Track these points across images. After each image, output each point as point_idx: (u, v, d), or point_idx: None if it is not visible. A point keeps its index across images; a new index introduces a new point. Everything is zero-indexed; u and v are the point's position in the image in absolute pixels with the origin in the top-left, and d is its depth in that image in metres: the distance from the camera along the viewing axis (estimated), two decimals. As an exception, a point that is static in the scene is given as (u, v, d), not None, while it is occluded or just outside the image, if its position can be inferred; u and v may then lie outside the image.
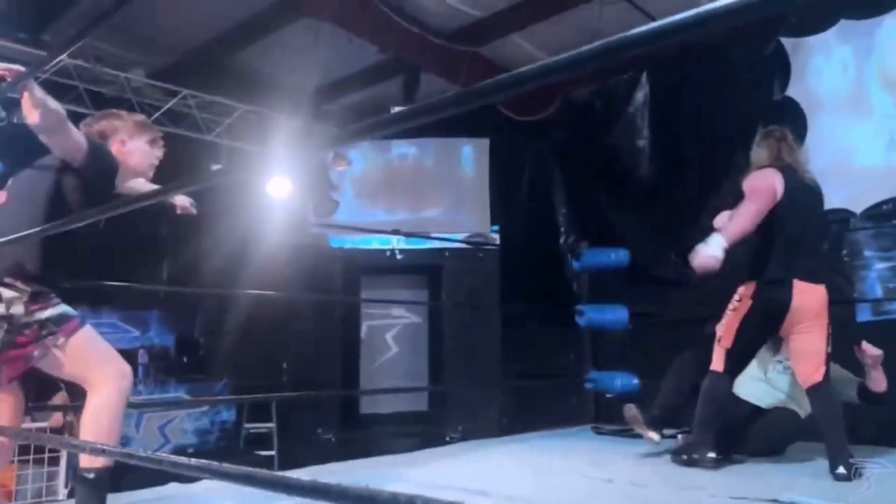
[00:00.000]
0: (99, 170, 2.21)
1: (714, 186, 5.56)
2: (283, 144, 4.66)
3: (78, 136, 2.17)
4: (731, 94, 5.49)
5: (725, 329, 3.01)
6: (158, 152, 2.49)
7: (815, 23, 5.16)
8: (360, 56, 5.60)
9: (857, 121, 4.94)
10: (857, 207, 4.84)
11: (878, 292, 4.65)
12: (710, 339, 4.37)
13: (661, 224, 5.73)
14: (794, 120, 5.18)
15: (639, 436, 4.01)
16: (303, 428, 5.99)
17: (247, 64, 5.58)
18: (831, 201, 4.94)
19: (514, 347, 5.89)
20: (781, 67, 5.31)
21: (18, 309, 2.00)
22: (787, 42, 5.30)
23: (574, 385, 5.03)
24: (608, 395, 4.38)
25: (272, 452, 5.52)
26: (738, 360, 3.03)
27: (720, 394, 3.01)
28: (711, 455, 2.90)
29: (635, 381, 4.14)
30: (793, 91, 5.25)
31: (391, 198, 6.65)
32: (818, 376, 2.81)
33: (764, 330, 3.00)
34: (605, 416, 4.60)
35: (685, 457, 3.01)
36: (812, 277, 2.92)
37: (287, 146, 4.26)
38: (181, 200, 2.69)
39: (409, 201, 6.63)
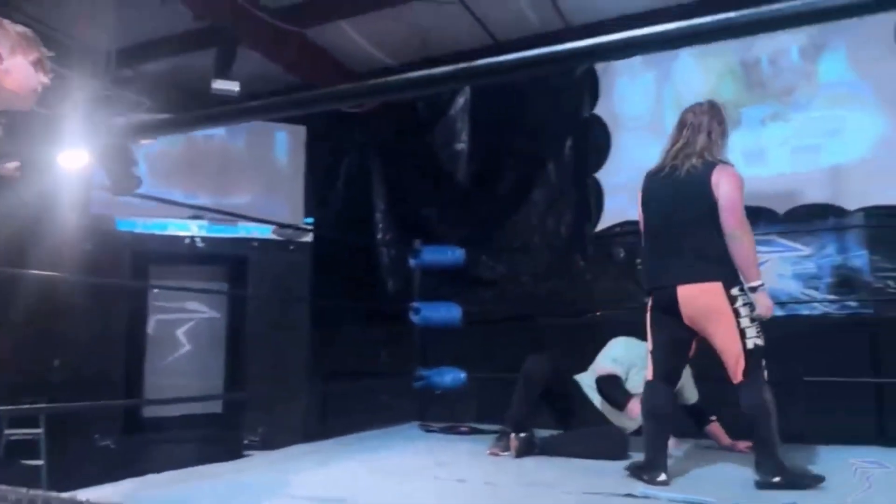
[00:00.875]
0: None
1: (525, 195, 5.84)
2: (77, 109, 4.01)
3: None
4: (545, 109, 5.79)
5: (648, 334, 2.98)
6: (44, 78, 1.97)
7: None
8: (172, 20, 5.03)
9: (654, 141, 5.41)
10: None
11: (667, 298, 5.16)
12: (541, 336, 4.55)
13: (477, 226, 5.89)
14: (598, 137, 5.63)
15: (465, 432, 4.05)
16: (77, 434, 5.23)
17: (34, 15, 4.74)
18: (627, 214, 5.44)
19: (326, 346, 5.66)
20: (591, 87, 5.70)
21: None
22: (597, 63, 5.70)
23: (393, 384, 4.96)
24: (437, 392, 4.36)
25: (40, 462, 4.73)
26: (662, 364, 2.92)
27: (656, 403, 2.87)
28: (662, 478, 2.66)
29: (462, 375, 4.18)
30: (600, 109, 5.66)
31: (193, 180, 6.07)
32: (739, 375, 2.71)
33: (670, 333, 2.91)
34: (432, 414, 4.58)
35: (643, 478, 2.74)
36: (690, 278, 2.83)
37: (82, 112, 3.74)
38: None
39: (214, 186, 6.10)
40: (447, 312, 4.17)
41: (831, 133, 4.88)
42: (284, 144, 6.30)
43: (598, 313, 5.35)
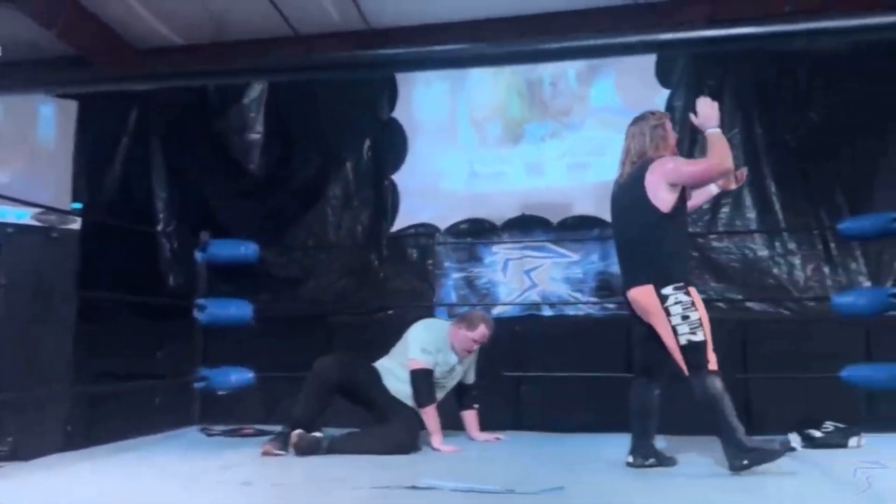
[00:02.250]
0: None
1: (322, 192, 5.80)
2: None
3: None
4: (346, 107, 5.79)
5: None
6: None
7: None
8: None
9: (447, 149, 5.69)
10: (442, 224, 5.56)
11: (453, 298, 5.41)
12: (333, 335, 4.49)
13: (270, 221, 5.73)
14: (396, 139, 5.75)
15: (250, 435, 3.92)
16: None
17: None
18: (420, 216, 5.63)
19: (94, 345, 5.15)
20: (390, 91, 5.81)
21: None
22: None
23: (170, 385, 4.65)
24: (220, 393, 4.15)
25: None
26: (640, 361, 3.21)
27: (639, 402, 3.16)
28: (651, 461, 3.02)
29: (250, 374, 4.03)
30: (398, 113, 5.78)
31: (-68, 153, 5.23)
32: (685, 370, 2.86)
33: (638, 332, 3.14)
34: (215, 417, 4.35)
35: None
36: (631, 282, 3.04)
37: None
38: None
39: (-39, 162, 5.30)
40: (237, 310, 4.00)
41: (599, 152, 5.42)
42: (51, 120, 5.64)
43: (390, 312, 5.45)
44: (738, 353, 4.84)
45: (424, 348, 3.63)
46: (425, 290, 5.51)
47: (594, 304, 5.18)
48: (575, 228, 5.34)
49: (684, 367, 2.87)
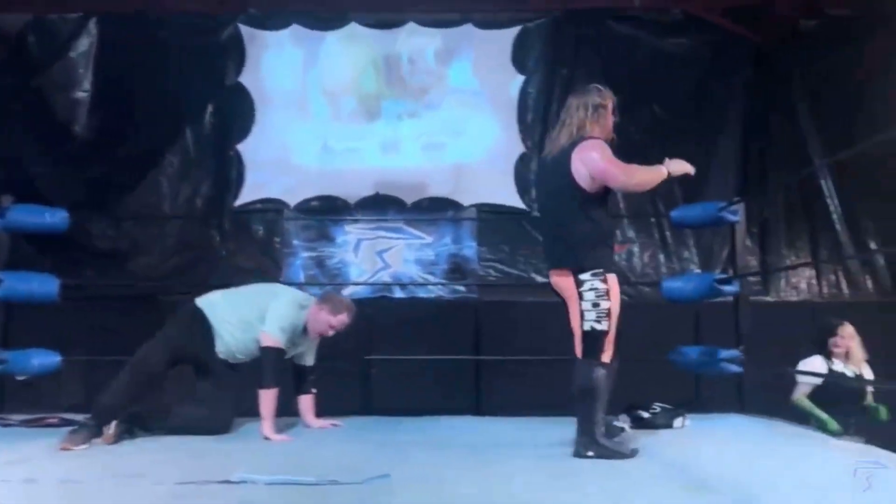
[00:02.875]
0: None
1: (157, 160, 5.33)
2: None
3: None
4: (186, 68, 5.35)
5: None
6: None
7: (274, 20, 5.45)
8: None
9: (298, 122, 5.40)
10: (292, 200, 5.28)
11: (301, 277, 5.15)
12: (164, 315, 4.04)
13: (94, 189, 5.19)
14: (242, 107, 5.38)
15: (54, 425, 3.50)
16: None
17: None
18: (268, 191, 5.32)
19: None
20: (237, 53, 5.42)
21: None
22: (245, 30, 5.44)
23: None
24: (21, 378, 3.67)
25: None
26: None
27: (578, 382, 2.89)
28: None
29: (57, 358, 3.57)
30: (246, 79, 5.41)
31: None
32: (578, 353, 2.83)
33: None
34: (13, 405, 3.85)
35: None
36: (553, 263, 2.94)
37: None
38: None
39: None
40: (40, 285, 3.51)
41: (456, 134, 5.38)
42: None
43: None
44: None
45: (283, 327, 3.29)
46: (271, 269, 5.21)
47: (445, 285, 5.11)
48: (429, 210, 5.25)
49: (578, 351, 2.85)
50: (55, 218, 3.57)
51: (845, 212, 5.20)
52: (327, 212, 5.29)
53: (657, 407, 3.42)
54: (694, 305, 4.47)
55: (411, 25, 5.45)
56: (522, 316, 4.91)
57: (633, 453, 2.81)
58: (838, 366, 3.92)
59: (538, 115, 5.36)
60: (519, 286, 5.10)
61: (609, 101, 2.95)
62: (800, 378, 3.86)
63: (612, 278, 2.83)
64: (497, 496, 2.31)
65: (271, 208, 5.31)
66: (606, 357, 2.84)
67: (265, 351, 3.27)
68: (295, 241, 5.28)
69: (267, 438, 3.18)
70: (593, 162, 2.79)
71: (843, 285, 5.20)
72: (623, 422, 3.25)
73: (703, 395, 4.41)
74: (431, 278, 5.16)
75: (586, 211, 2.83)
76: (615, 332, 2.84)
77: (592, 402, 2.79)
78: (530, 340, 4.73)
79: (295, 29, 5.45)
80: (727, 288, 3.47)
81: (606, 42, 5.43)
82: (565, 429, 3.13)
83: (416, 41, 5.48)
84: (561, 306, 2.92)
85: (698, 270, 5.06)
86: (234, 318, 3.31)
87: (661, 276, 4.93)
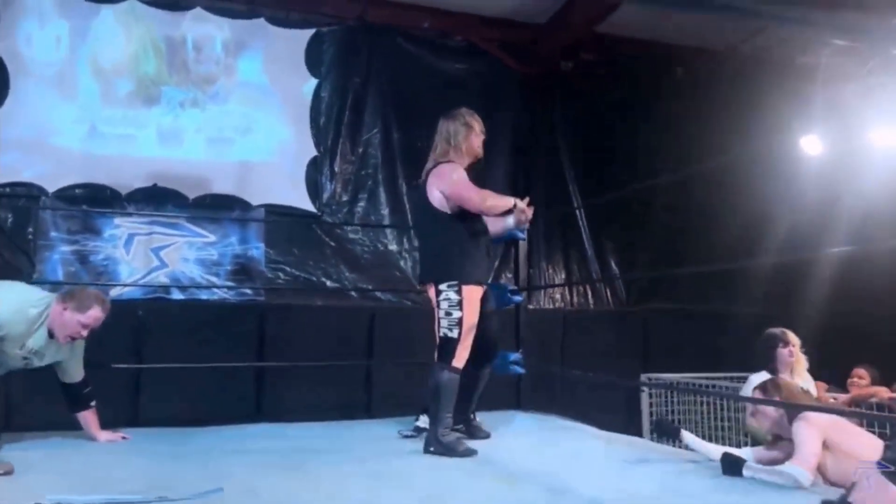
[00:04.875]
0: None
1: None
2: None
3: None
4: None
5: None
6: None
7: (34, -19, 4.79)
8: None
9: (61, 100, 4.80)
10: (51, 186, 4.67)
11: (60, 275, 4.58)
12: None
13: None
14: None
15: None
16: None
17: None
18: (21, 174, 4.67)
19: None
20: (-13, 15, 4.67)
21: None
22: (-5, -8, 4.71)
23: None
24: None
25: None
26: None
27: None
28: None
29: None
30: (-2, 46, 4.68)
31: None
32: (435, 357, 3.12)
33: None
34: None
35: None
36: (423, 278, 3.31)
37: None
38: None
39: None
40: None
41: (244, 130, 5.19)
42: None
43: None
44: (365, 339, 5.11)
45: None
46: (22, 264, 4.55)
47: (230, 288, 4.90)
48: (213, 207, 5.00)
49: (436, 356, 3.12)
50: None
51: (592, 235, 6.00)
52: (93, 201, 4.76)
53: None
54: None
55: (198, 10, 5.15)
56: (309, 320, 4.91)
57: (469, 452, 3.01)
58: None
59: (331, 120, 5.38)
60: (307, 290, 5.07)
61: (476, 123, 3.28)
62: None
63: (469, 289, 3.11)
64: (338, 499, 2.36)
65: (24, 193, 4.65)
66: (457, 362, 3.08)
67: None
68: (53, 233, 4.67)
69: None
70: (450, 184, 3.12)
71: (590, 296, 6.00)
72: (423, 421, 3.43)
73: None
74: (215, 280, 4.91)
75: (445, 229, 3.14)
76: (469, 340, 3.10)
77: (439, 403, 3.03)
78: (317, 344, 4.77)
79: (62, -2, 4.85)
80: (516, 297, 3.86)
81: (396, 57, 5.64)
82: (358, 431, 3.31)
83: (203, 28, 5.17)
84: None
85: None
86: None
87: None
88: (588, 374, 4.49)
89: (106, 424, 3.46)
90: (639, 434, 4.55)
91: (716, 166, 5.00)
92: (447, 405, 3.03)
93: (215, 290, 4.91)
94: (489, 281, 3.72)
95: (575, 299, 5.91)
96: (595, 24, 5.54)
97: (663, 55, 6.14)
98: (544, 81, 6.04)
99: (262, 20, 5.30)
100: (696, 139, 5.65)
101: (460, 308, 3.06)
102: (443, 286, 3.09)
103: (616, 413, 5.00)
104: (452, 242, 3.13)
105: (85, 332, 3.10)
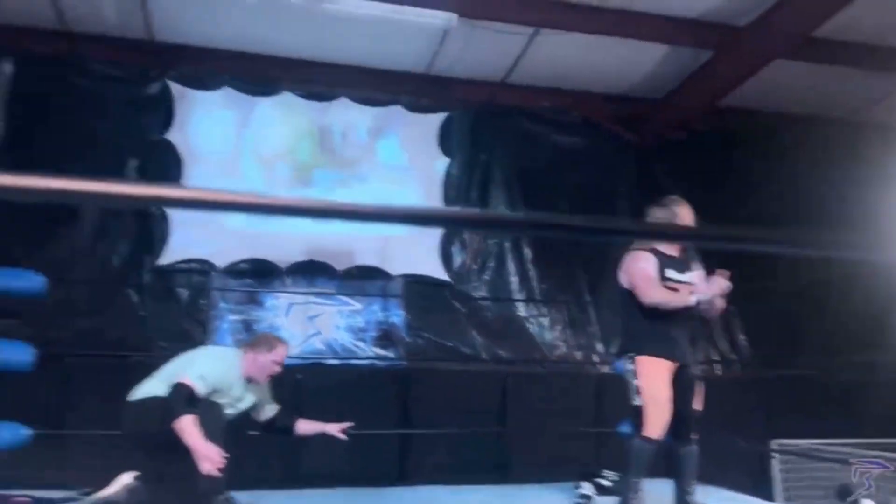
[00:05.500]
0: None
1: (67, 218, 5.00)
2: None
3: None
4: (108, 118, 5.16)
5: None
6: None
7: (205, 79, 5.42)
8: None
9: (229, 183, 5.36)
10: (219, 262, 5.20)
11: (229, 342, 5.04)
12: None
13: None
14: (168, 164, 5.26)
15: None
16: None
17: None
18: (194, 251, 5.20)
19: None
20: (165, 108, 5.31)
21: None
22: (174, 87, 5.35)
23: None
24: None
25: None
26: None
27: None
28: None
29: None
30: (173, 135, 5.30)
31: None
32: None
33: None
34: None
35: None
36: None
37: None
38: None
39: None
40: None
41: (385, 207, 5.62)
42: None
43: (148, 354, 4.85)
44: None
45: (203, 374, 3.14)
46: (196, 333, 5.05)
47: (378, 355, 5.27)
48: (358, 278, 5.43)
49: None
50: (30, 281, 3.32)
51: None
52: (257, 275, 5.27)
53: (610, 474, 3.86)
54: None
55: (344, 100, 5.69)
56: (450, 383, 5.21)
57: None
58: None
59: (461, 195, 5.80)
60: (446, 356, 5.39)
61: (683, 211, 3.40)
62: None
63: (643, 360, 3.30)
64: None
65: (197, 269, 5.19)
66: (647, 431, 3.22)
67: (175, 387, 3.09)
68: (222, 304, 5.18)
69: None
70: (630, 275, 3.36)
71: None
72: (587, 489, 3.64)
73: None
74: (363, 345, 5.30)
75: (630, 307, 3.35)
76: (657, 410, 3.23)
77: (627, 468, 3.23)
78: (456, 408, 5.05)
79: (227, 91, 5.46)
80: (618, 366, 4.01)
81: (518, 135, 6.04)
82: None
83: (348, 115, 5.71)
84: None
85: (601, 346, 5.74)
86: (163, 385, 3.20)
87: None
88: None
89: (263, 484, 3.85)
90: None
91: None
92: (636, 471, 3.21)
93: (363, 355, 5.29)
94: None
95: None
96: (716, 99, 5.77)
97: (770, 124, 6.32)
98: (655, 152, 6.32)
99: (399, 107, 5.80)
100: (814, 206, 5.78)
101: (635, 377, 3.29)
102: (623, 357, 3.39)
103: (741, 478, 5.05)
104: (631, 317, 3.40)
105: (279, 369, 3.48)
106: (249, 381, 3.45)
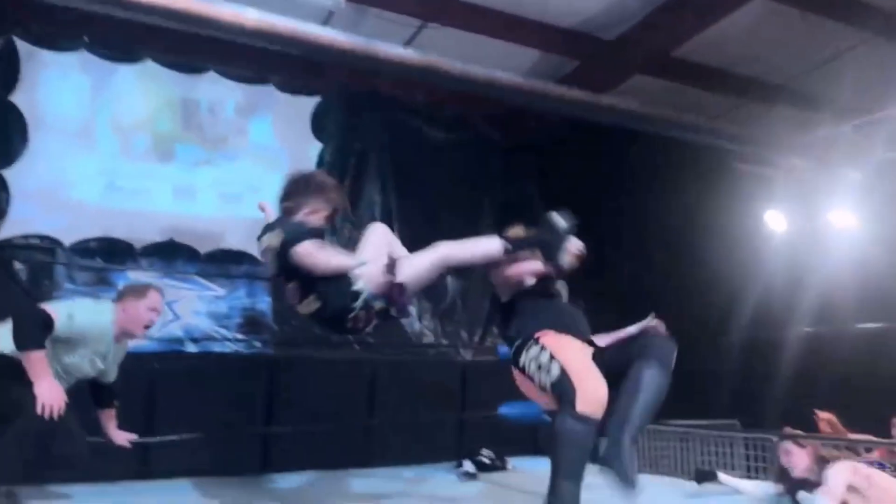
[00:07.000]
0: None
1: None
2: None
3: None
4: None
5: None
6: None
7: (59, 39, 4.94)
8: None
9: (81, 153, 4.92)
10: (67, 239, 4.75)
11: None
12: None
13: None
14: (11, 128, 4.74)
15: None
16: None
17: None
18: (38, 226, 4.74)
19: None
20: (10, 68, 4.78)
21: None
22: (21, 45, 4.84)
23: None
24: None
25: None
26: None
27: None
28: None
29: None
30: (19, 98, 4.78)
31: None
32: None
33: None
34: None
35: None
36: None
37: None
38: None
39: None
40: None
41: (254, 188, 5.40)
42: None
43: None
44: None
45: (72, 314, 2.86)
46: (37, 314, 4.56)
47: (241, 340, 5.05)
48: (222, 262, 5.18)
49: None
50: None
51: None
52: (108, 254, 4.86)
53: (487, 452, 3.97)
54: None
55: (212, 74, 5.41)
56: (318, 372, 5.10)
57: None
58: None
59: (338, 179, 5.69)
60: (315, 343, 5.25)
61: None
62: None
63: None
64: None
65: (40, 246, 4.70)
66: (581, 406, 2.33)
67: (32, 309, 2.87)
68: (67, 285, 4.73)
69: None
70: None
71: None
72: (469, 467, 3.71)
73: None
74: (225, 332, 5.05)
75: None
76: None
77: (557, 469, 2.39)
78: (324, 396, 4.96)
79: (83, 54, 5.01)
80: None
81: (392, 125, 6.04)
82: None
83: (216, 90, 5.44)
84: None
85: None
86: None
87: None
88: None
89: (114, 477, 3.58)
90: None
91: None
92: (571, 467, 2.16)
93: (227, 342, 5.04)
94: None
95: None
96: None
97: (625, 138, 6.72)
98: (519, 149, 6.57)
99: (271, 87, 5.61)
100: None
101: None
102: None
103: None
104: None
105: (156, 316, 3.17)
106: (118, 340, 3.15)
